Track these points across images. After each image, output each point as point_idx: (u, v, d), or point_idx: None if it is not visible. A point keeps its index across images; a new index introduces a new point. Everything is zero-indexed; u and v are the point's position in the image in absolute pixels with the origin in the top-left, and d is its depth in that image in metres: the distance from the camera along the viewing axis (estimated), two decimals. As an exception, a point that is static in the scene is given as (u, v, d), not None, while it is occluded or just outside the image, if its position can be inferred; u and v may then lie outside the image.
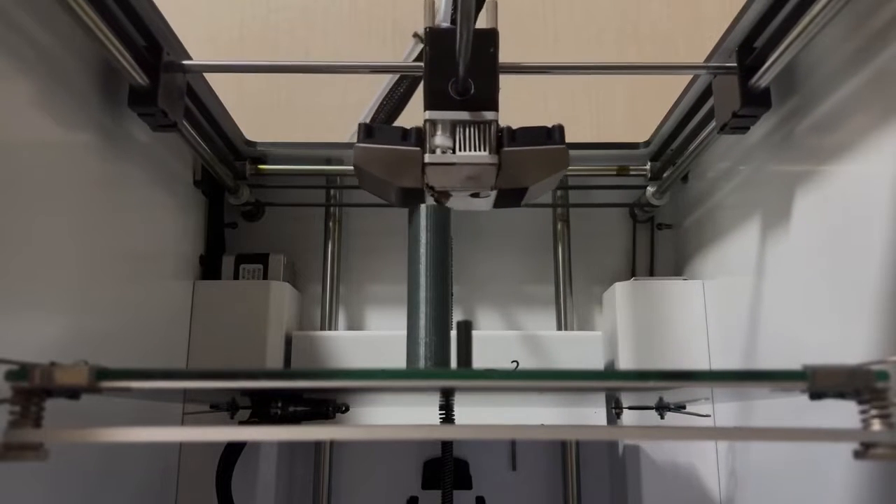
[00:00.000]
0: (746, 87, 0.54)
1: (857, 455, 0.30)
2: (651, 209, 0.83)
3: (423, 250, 0.55)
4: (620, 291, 0.73)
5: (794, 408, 0.44)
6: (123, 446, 0.55)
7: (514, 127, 0.47)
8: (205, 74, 0.63)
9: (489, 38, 0.47)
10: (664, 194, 0.78)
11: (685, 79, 0.65)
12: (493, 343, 0.73)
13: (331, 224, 0.83)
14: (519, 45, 0.96)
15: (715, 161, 0.71)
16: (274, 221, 0.84)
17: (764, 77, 0.53)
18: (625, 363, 0.71)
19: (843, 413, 0.32)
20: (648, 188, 0.78)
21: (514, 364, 0.71)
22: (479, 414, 0.67)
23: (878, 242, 0.43)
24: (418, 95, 0.69)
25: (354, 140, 0.46)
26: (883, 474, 0.43)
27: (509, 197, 0.49)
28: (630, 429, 0.65)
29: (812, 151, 0.52)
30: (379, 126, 0.48)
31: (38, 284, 0.45)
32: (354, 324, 0.83)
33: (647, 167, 0.77)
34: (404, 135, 0.47)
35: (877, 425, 0.30)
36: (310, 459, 0.77)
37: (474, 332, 0.50)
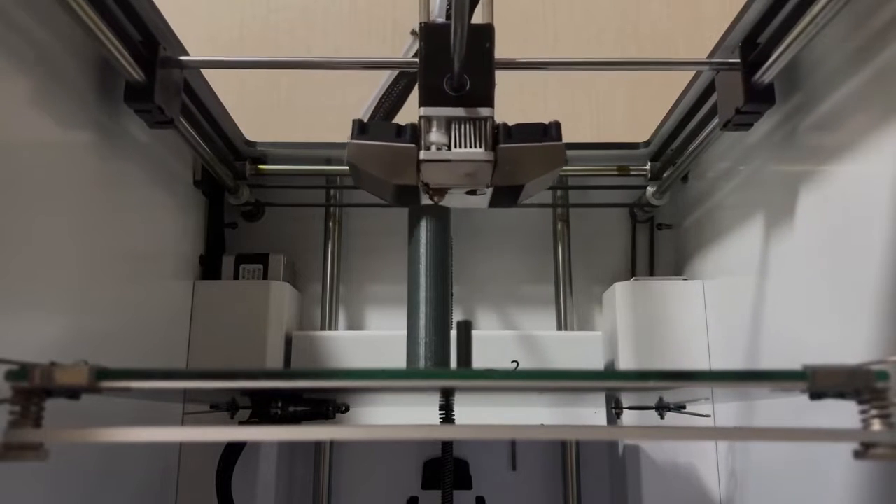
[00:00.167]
0: (750, 83, 0.54)
1: (857, 455, 0.30)
2: (651, 209, 0.83)
3: (423, 250, 0.55)
4: (620, 291, 0.73)
5: (794, 408, 0.44)
6: (123, 446, 0.55)
7: (524, 122, 0.47)
8: (204, 74, 0.63)
9: (485, 34, 0.47)
10: (664, 194, 0.78)
11: (685, 79, 0.65)
12: (493, 343, 0.73)
13: (331, 224, 0.83)
14: (519, 45, 0.96)
15: (715, 161, 0.71)
16: (274, 221, 0.84)
17: (768, 73, 0.52)
18: (625, 363, 0.71)
19: (844, 413, 0.32)
20: (648, 188, 0.78)
21: (514, 364, 0.71)
22: (479, 414, 0.67)
23: (878, 242, 0.43)
24: (416, 93, 0.69)
25: (352, 138, 0.46)
26: (883, 474, 0.43)
27: (505, 194, 0.49)
28: (630, 429, 0.65)
29: (813, 150, 0.52)
30: (373, 122, 0.47)
31: (38, 284, 0.45)
32: (354, 324, 0.83)
33: (647, 167, 0.77)
34: (399, 131, 0.46)
35: (877, 425, 0.30)
36: (310, 459, 0.77)
37: (474, 332, 0.50)
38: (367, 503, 0.77)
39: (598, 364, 0.73)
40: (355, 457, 0.78)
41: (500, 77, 0.47)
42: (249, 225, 0.84)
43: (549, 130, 0.47)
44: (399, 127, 0.46)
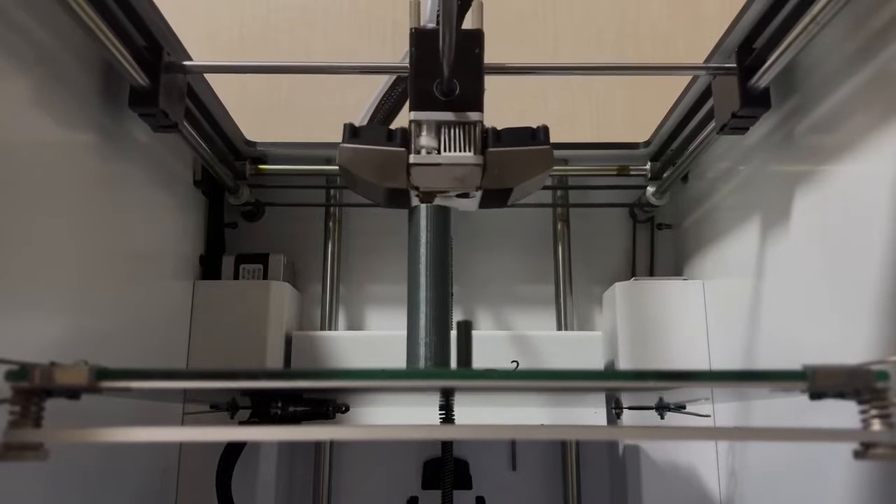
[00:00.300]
0: (746, 87, 0.54)
1: (857, 455, 0.30)
2: (651, 209, 0.83)
3: (423, 250, 0.55)
4: (620, 291, 0.73)
5: (794, 408, 0.44)
6: (123, 446, 0.55)
7: (513, 126, 0.47)
8: (205, 75, 0.63)
9: (474, 39, 0.47)
10: (664, 194, 0.78)
11: (685, 79, 0.65)
12: (493, 343, 0.73)
13: (331, 224, 0.83)
14: (519, 45, 0.96)
15: (715, 161, 0.71)
16: (274, 221, 0.84)
17: (763, 78, 0.53)
18: (625, 363, 0.71)
19: (844, 413, 0.32)
20: (648, 188, 0.78)
21: (514, 364, 0.71)
22: (479, 414, 0.67)
23: (878, 242, 0.43)
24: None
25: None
26: (883, 474, 0.43)
27: (495, 197, 0.50)
28: (630, 429, 0.65)
29: (812, 151, 0.52)
30: (364, 127, 0.48)
31: (38, 284, 0.45)
32: (354, 324, 0.83)
33: (647, 167, 0.77)
34: (390, 135, 0.47)
35: (877, 425, 0.30)
36: (310, 459, 0.77)
37: (474, 332, 0.50)
38: (367, 503, 0.77)
39: (598, 364, 0.73)
40: (355, 457, 0.78)
41: (500, 78, 0.47)
42: (249, 225, 0.84)
43: (538, 134, 0.47)
44: (390, 131, 0.47)
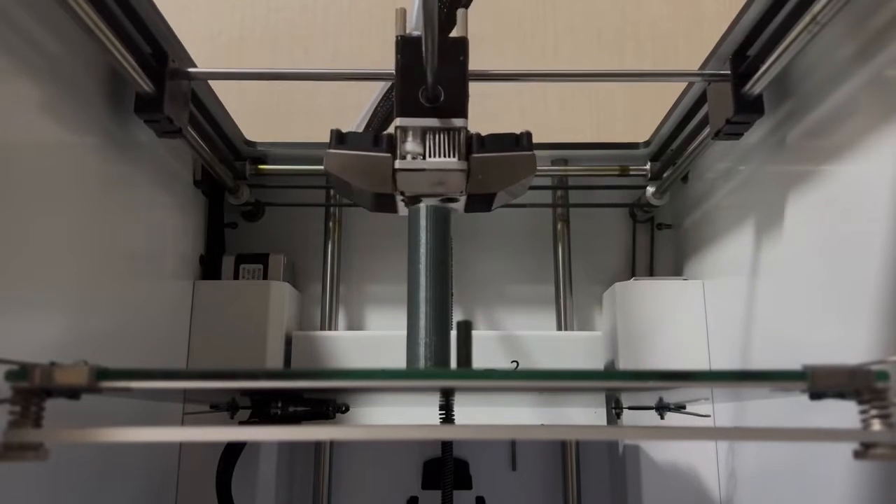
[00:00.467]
0: (740, 94, 0.55)
1: (857, 455, 0.30)
2: (651, 209, 0.83)
3: (423, 250, 0.55)
4: (620, 291, 0.73)
5: (794, 408, 0.44)
6: (123, 446, 0.55)
7: (497, 133, 0.48)
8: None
9: (459, 47, 0.49)
10: (664, 194, 0.78)
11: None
12: (493, 343, 0.73)
13: (331, 224, 0.83)
14: (518, 46, 0.96)
15: (714, 162, 0.71)
16: (274, 221, 0.84)
17: (757, 84, 0.53)
18: (625, 363, 0.71)
19: (846, 414, 0.32)
20: (648, 188, 0.78)
21: (514, 364, 0.71)
22: (479, 414, 0.67)
23: (877, 242, 0.43)
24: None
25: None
26: (883, 474, 0.43)
27: (479, 202, 0.51)
28: (630, 429, 0.65)
29: (809, 153, 0.52)
30: (351, 133, 0.49)
31: (39, 284, 0.45)
32: (354, 324, 0.83)
33: (647, 167, 0.77)
34: (376, 141, 0.48)
35: (877, 425, 0.30)
36: (310, 459, 0.77)
37: (474, 333, 0.50)
38: (366, 503, 0.77)
39: (598, 364, 0.73)
40: (355, 457, 0.78)
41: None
42: (249, 225, 0.84)
43: (521, 140, 0.48)
44: (376, 137, 0.48)
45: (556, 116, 0.94)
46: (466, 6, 0.51)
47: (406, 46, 0.49)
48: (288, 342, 0.73)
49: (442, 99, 0.47)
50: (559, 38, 0.98)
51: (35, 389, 0.29)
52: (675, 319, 0.72)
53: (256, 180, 0.79)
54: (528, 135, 0.48)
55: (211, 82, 0.65)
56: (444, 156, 0.47)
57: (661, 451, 0.69)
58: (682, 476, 0.68)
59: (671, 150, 0.74)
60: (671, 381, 0.35)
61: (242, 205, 0.80)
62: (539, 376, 0.35)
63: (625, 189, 0.83)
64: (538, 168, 0.50)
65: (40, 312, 0.45)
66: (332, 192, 0.83)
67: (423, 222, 0.56)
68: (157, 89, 0.54)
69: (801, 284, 0.53)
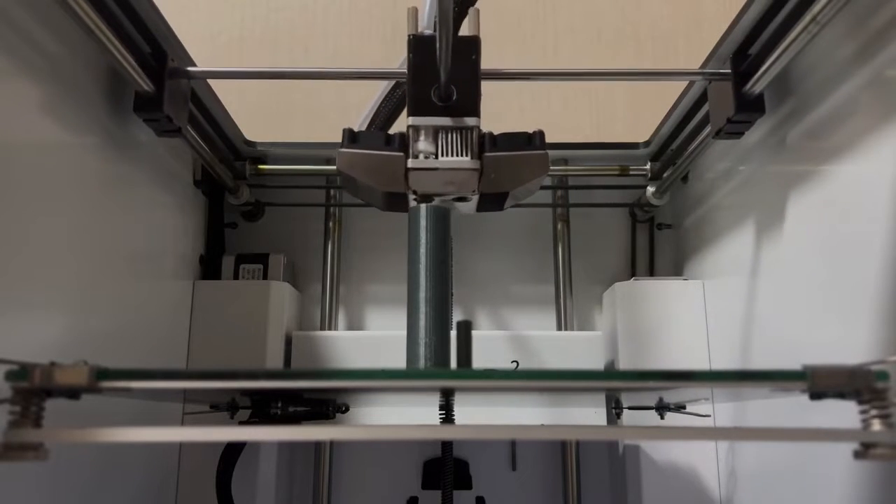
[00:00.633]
0: (740, 93, 0.55)
1: (857, 455, 0.30)
2: (651, 209, 0.83)
3: (423, 250, 0.55)
4: (620, 291, 0.73)
5: (794, 408, 0.44)
6: (123, 446, 0.55)
7: (509, 132, 0.48)
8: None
9: (471, 46, 0.48)
10: (664, 194, 0.78)
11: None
12: (493, 343, 0.73)
13: (331, 224, 0.83)
14: (518, 46, 0.96)
15: (714, 162, 0.71)
16: (274, 221, 0.84)
17: (758, 83, 0.53)
18: (625, 363, 0.71)
19: (846, 414, 0.32)
20: (648, 188, 0.78)
21: (514, 364, 0.71)
22: (478, 414, 0.67)
23: (878, 243, 0.43)
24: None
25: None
26: (883, 474, 0.43)
27: (491, 201, 0.51)
28: (630, 429, 0.65)
29: (810, 153, 0.52)
30: (363, 132, 0.49)
31: (39, 284, 0.45)
32: (354, 324, 0.83)
33: (647, 167, 0.77)
34: (388, 140, 0.48)
35: (877, 425, 0.30)
36: (310, 459, 0.77)
37: (474, 333, 0.50)
38: (366, 503, 0.77)
39: (598, 364, 0.73)
40: (355, 457, 0.78)
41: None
42: (249, 225, 0.84)
43: (534, 139, 0.48)
44: (388, 136, 0.48)
45: (556, 116, 0.94)
46: (472, 4, 0.51)
47: (418, 45, 0.49)
48: (288, 342, 0.73)
49: (454, 98, 0.47)
50: (559, 38, 0.98)
51: (35, 389, 0.29)
52: (676, 319, 0.72)
53: (256, 180, 0.79)
54: (541, 134, 0.48)
55: (211, 82, 0.65)
56: (457, 155, 0.47)
57: (661, 451, 0.69)
58: (682, 476, 0.68)
59: (671, 150, 0.74)
60: (671, 381, 0.35)
61: (242, 205, 0.80)
62: (539, 376, 0.35)
63: (625, 189, 0.83)
64: (539, 168, 0.50)
65: (40, 312, 0.45)
66: (332, 191, 0.83)
67: (423, 222, 0.56)
68: (156, 88, 0.54)
69: (802, 284, 0.53)
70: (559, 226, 0.83)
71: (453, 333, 0.51)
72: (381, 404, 0.67)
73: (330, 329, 0.80)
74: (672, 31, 0.98)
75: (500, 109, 0.87)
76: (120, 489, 0.57)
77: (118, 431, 0.29)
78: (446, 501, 0.61)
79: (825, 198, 0.50)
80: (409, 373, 0.45)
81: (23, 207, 0.43)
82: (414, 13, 0.50)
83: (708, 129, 0.61)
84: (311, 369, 0.66)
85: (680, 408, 0.60)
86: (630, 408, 0.68)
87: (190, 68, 0.57)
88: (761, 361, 0.59)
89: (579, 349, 0.74)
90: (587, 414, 0.71)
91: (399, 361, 0.53)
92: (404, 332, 0.54)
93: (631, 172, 0.78)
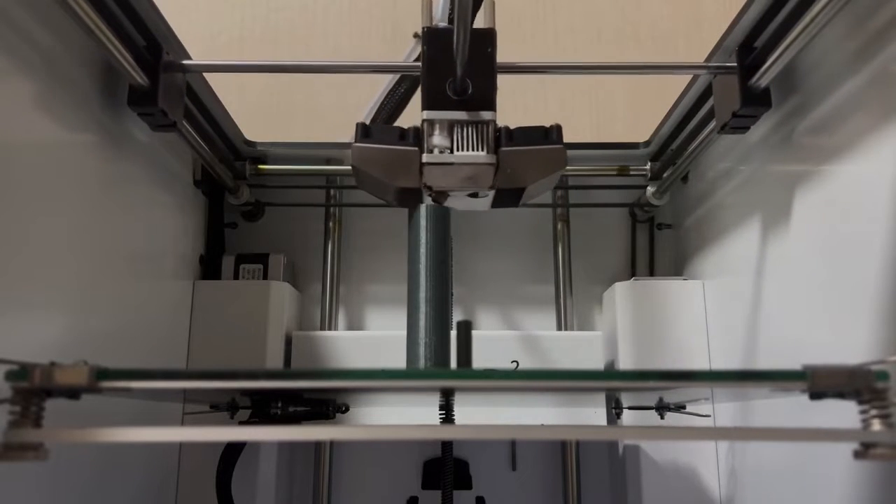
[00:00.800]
0: (746, 86, 0.54)
1: (857, 455, 0.30)
2: (651, 209, 0.83)
3: (423, 250, 0.55)
4: (620, 291, 0.73)
5: (794, 408, 0.44)
6: (123, 446, 0.55)
7: (526, 126, 0.47)
8: (205, 75, 0.63)
9: (487, 38, 0.47)
10: (664, 194, 0.78)
11: (685, 79, 0.65)
12: (493, 343, 0.73)
13: (331, 224, 0.83)
14: (518, 45, 0.96)
15: (715, 161, 0.71)
16: (274, 221, 0.84)
17: (764, 77, 0.53)
18: (625, 363, 0.71)
19: (846, 414, 0.32)
20: (648, 188, 0.78)
21: (514, 364, 0.71)
22: (478, 414, 0.67)
23: (878, 243, 0.43)
24: (419, 96, 0.69)
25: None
26: (883, 474, 0.43)
27: (507, 197, 0.50)
28: (630, 429, 0.65)
29: (812, 151, 0.52)
30: (377, 126, 0.48)
31: (38, 284, 0.45)
32: (354, 324, 0.83)
33: (647, 167, 0.77)
34: (402, 135, 0.47)
35: (877, 425, 0.30)
36: (310, 459, 0.77)
37: (474, 333, 0.50)
38: (366, 503, 0.77)
39: (598, 364, 0.73)
40: (355, 457, 0.78)
41: (501, 78, 0.47)
42: (249, 225, 0.84)
43: (551, 134, 0.47)
44: (402, 130, 0.47)
45: (556, 116, 0.94)
46: None
47: (433, 38, 0.48)
48: (288, 342, 0.73)
49: (470, 91, 0.46)
50: (559, 38, 0.98)
51: (35, 389, 0.29)
52: (676, 319, 0.72)
53: (256, 180, 0.79)
54: (558, 128, 0.47)
55: (211, 82, 0.64)
56: (473, 149, 0.46)
57: (661, 451, 0.69)
58: (682, 476, 0.68)
59: (671, 150, 0.74)
60: (671, 381, 0.35)
61: (242, 205, 0.80)
62: (539, 376, 0.35)
63: (625, 189, 0.83)
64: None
65: (40, 312, 0.45)
66: (332, 191, 0.83)
67: (423, 222, 0.56)
68: (150, 82, 0.53)
69: (802, 284, 0.53)
70: (559, 226, 0.83)
71: (453, 333, 0.51)
72: (381, 404, 0.67)
73: (330, 329, 0.80)
74: (672, 31, 0.98)
75: (500, 108, 0.87)
76: (120, 489, 0.57)
77: (118, 431, 0.29)
78: (446, 501, 0.61)
79: (826, 197, 0.50)
80: (409, 373, 0.45)
81: (22, 207, 0.43)
82: (428, 5, 0.49)
83: (710, 127, 0.61)
84: (311, 369, 0.66)
85: (680, 408, 0.60)
86: (630, 408, 0.68)
87: (185, 62, 0.57)
88: (761, 361, 0.59)
89: (579, 349, 0.74)
90: (587, 414, 0.71)
91: (399, 361, 0.53)
92: (404, 332, 0.54)
93: (631, 172, 0.78)
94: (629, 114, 0.95)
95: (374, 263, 0.84)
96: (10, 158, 0.42)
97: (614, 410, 0.70)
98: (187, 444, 0.69)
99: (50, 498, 0.47)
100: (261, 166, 0.78)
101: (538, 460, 0.78)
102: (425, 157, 0.46)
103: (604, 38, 0.98)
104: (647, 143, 0.76)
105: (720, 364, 0.68)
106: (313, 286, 0.82)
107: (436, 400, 0.52)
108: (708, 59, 0.58)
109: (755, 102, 0.54)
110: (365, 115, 0.66)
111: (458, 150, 0.46)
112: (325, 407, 0.57)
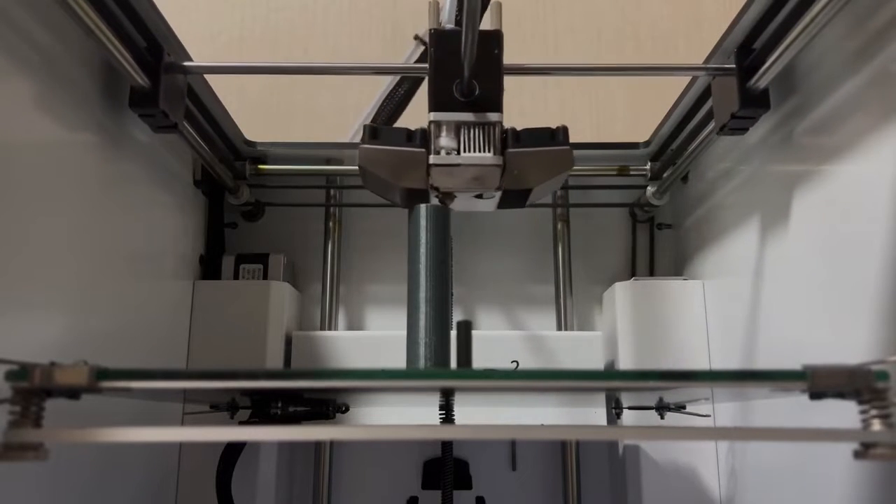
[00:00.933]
0: (745, 88, 0.54)
1: (857, 455, 0.30)
2: (651, 209, 0.83)
3: (423, 250, 0.55)
4: (620, 291, 0.73)
5: (794, 408, 0.44)
6: (123, 446, 0.55)
7: (532, 127, 0.47)
8: (205, 75, 0.63)
9: (493, 40, 0.48)
10: (664, 194, 0.78)
11: (685, 79, 0.65)
12: (493, 343, 0.73)
13: (331, 224, 0.83)
14: (518, 46, 0.96)
15: (715, 161, 0.71)
16: (274, 221, 0.84)
17: (763, 78, 0.53)
18: (625, 363, 0.71)
19: (846, 414, 0.32)
20: (648, 188, 0.78)
21: (514, 364, 0.71)
22: (478, 414, 0.67)
23: (878, 243, 0.43)
24: (419, 97, 0.70)
25: (355, 140, 0.46)
26: (883, 474, 0.43)
27: (513, 198, 0.50)
28: (630, 429, 0.65)
29: (811, 152, 0.52)
30: (384, 127, 0.48)
31: (38, 284, 0.45)
32: (354, 324, 0.83)
33: (647, 167, 0.77)
34: (409, 136, 0.47)
35: (877, 425, 0.30)
36: (310, 459, 0.77)
37: (474, 333, 0.50)
38: (366, 503, 0.77)
39: (598, 364, 0.73)
40: (355, 457, 0.78)
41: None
42: (249, 225, 0.84)
43: (557, 135, 0.48)
44: (409, 132, 0.47)
45: (556, 116, 0.94)
46: None
47: (440, 40, 0.48)
48: (288, 342, 0.73)
49: (477, 93, 0.46)
50: (559, 38, 0.98)
51: (35, 389, 0.29)
52: (676, 319, 0.72)
53: (256, 180, 0.79)
54: (565, 129, 0.48)
55: (211, 82, 0.64)
56: (480, 151, 0.46)
57: (661, 451, 0.69)
58: (682, 476, 0.68)
59: (671, 150, 0.74)
60: (671, 381, 0.35)
61: (242, 205, 0.80)
62: (539, 376, 0.35)
63: (625, 189, 0.83)
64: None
65: (40, 312, 0.45)
66: (332, 191, 0.83)
67: (423, 222, 0.56)
68: (151, 83, 0.53)
69: (802, 284, 0.53)
70: (559, 226, 0.83)
71: (453, 333, 0.51)
72: (381, 404, 0.67)
73: (330, 329, 0.80)
74: (672, 31, 0.98)
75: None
76: (120, 489, 0.57)
77: (118, 431, 0.29)
78: (446, 501, 0.61)
79: (826, 197, 0.50)
80: (409, 373, 0.45)
81: (22, 207, 0.43)
82: (435, 7, 0.49)
83: (709, 128, 0.61)
84: (311, 369, 0.66)
85: (680, 408, 0.60)
86: (630, 408, 0.68)
87: (186, 63, 0.57)
88: (761, 361, 0.59)
89: (579, 349, 0.74)
90: (587, 414, 0.71)
91: (399, 361, 0.53)
92: (404, 332, 0.54)
93: (631, 172, 0.78)
94: (629, 114, 0.95)
95: (374, 263, 0.84)
96: (10, 158, 0.42)
97: (614, 410, 0.70)
98: (187, 444, 0.69)
99: (50, 498, 0.47)
100: (261, 166, 0.78)
101: (538, 460, 0.78)
102: (432, 159, 0.46)
103: (604, 38, 0.98)
104: (647, 144, 0.76)
105: (720, 364, 0.68)
106: (313, 286, 0.82)
107: (436, 400, 0.52)
108: (707, 60, 0.58)
109: (754, 104, 0.54)
110: (364, 116, 0.67)
111: (464, 151, 0.46)
112: (325, 407, 0.57)
